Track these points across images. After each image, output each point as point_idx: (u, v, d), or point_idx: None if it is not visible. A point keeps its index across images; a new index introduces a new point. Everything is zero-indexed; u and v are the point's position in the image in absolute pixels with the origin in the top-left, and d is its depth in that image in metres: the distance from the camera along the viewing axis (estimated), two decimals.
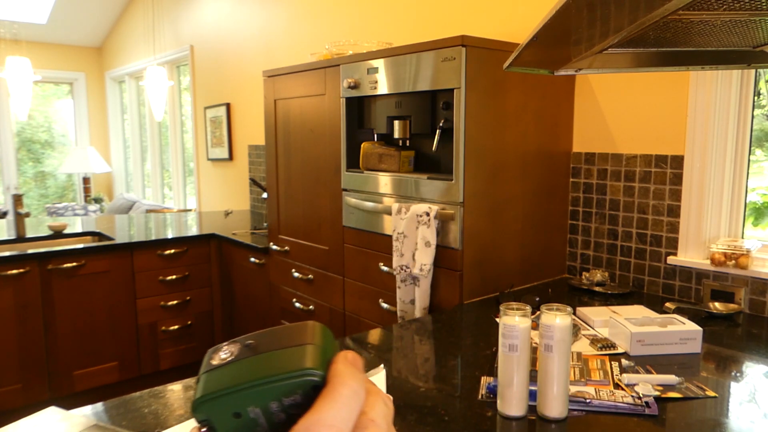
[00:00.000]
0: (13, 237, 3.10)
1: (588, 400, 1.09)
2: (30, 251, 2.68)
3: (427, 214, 1.79)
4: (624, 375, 1.19)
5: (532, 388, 1.06)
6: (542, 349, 1.02)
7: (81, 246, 2.83)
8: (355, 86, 2.06)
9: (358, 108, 2.19)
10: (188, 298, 3.13)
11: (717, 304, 1.66)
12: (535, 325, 1.17)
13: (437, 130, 1.86)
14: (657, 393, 1.12)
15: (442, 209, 1.78)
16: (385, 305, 2.02)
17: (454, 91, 1.72)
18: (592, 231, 2.06)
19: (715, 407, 1.09)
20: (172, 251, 3.04)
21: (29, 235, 3.18)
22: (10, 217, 5.19)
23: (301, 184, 2.45)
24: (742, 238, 1.79)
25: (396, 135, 2.01)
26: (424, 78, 1.81)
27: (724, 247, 1.70)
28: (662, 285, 1.88)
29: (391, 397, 0.32)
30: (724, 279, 1.73)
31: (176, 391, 1.16)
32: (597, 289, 1.88)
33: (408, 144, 2.06)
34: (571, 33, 0.90)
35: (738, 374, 1.25)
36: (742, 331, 1.54)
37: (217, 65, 4.43)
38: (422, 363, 1.35)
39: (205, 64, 4.62)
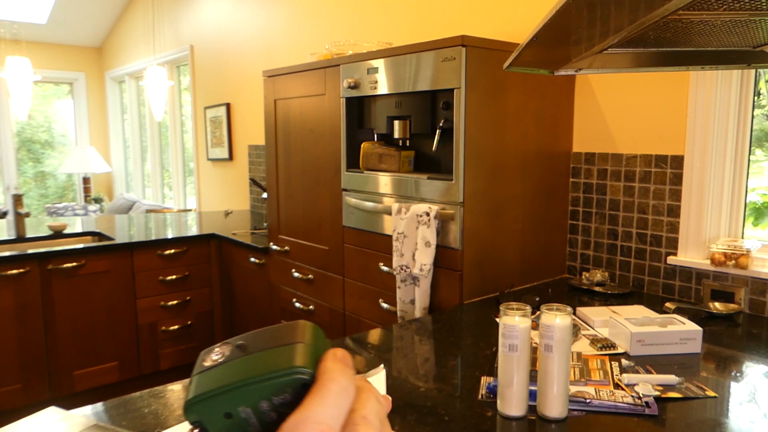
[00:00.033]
0: (13, 237, 3.10)
1: (588, 400, 1.09)
2: (30, 251, 2.68)
3: (427, 214, 1.79)
4: (624, 375, 1.19)
5: (532, 388, 1.06)
6: (542, 349, 1.02)
7: (81, 246, 2.83)
8: (355, 86, 2.06)
9: (358, 108, 2.19)
10: (188, 298, 3.13)
11: (717, 304, 1.66)
12: (535, 325, 1.17)
13: (437, 130, 1.86)
14: (657, 393, 1.12)
15: (442, 209, 1.78)
16: (385, 305, 2.02)
17: (454, 91, 1.72)
18: (592, 231, 2.06)
19: (715, 407, 1.09)
20: (172, 251, 3.04)
21: (29, 235, 3.18)
22: (10, 217, 5.19)
23: (301, 184, 2.45)
24: (742, 238, 1.79)
25: (396, 135, 2.01)
26: (424, 78, 1.81)
27: (724, 247, 1.70)
28: (662, 285, 1.88)
29: (390, 398, 0.32)
30: (724, 279, 1.73)
31: (176, 391, 1.16)
32: (597, 289, 1.88)
33: (408, 144, 2.06)
34: (571, 33, 0.90)
35: (738, 374, 1.25)
36: (742, 331, 1.54)
37: (217, 65, 4.43)
38: (422, 363, 1.35)
39: (205, 64, 4.62)
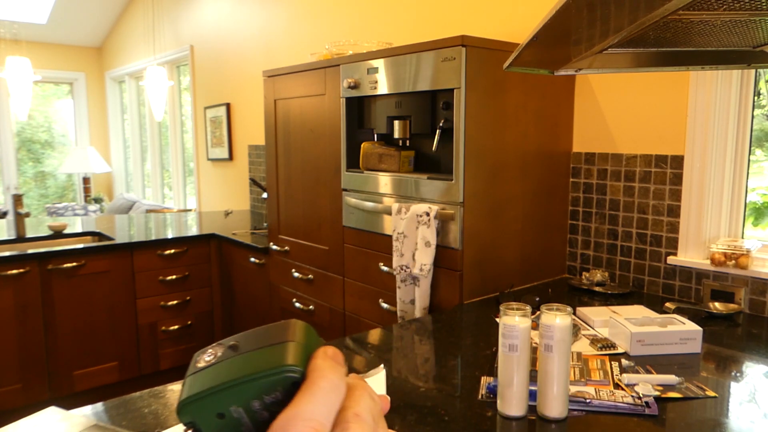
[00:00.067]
0: (13, 237, 3.10)
1: (588, 400, 1.09)
2: (30, 251, 2.68)
3: (427, 214, 1.79)
4: (624, 375, 1.19)
5: (532, 388, 1.06)
6: (542, 349, 1.02)
7: (81, 246, 2.83)
8: (355, 86, 2.06)
9: (358, 108, 2.19)
10: (188, 298, 3.13)
11: (717, 304, 1.66)
12: (535, 325, 1.17)
13: (437, 130, 1.86)
14: (657, 393, 1.12)
15: (442, 209, 1.78)
16: (385, 305, 2.02)
17: (454, 91, 1.72)
18: (592, 231, 2.06)
19: (715, 407, 1.09)
20: (172, 251, 3.04)
21: (29, 235, 3.18)
22: (10, 217, 5.19)
23: (301, 184, 2.45)
24: (742, 238, 1.79)
25: (396, 135, 2.01)
26: (424, 78, 1.81)
27: (724, 247, 1.70)
28: (662, 285, 1.88)
29: (388, 397, 0.32)
30: (724, 279, 1.73)
31: (176, 391, 1.16)
32: (597, 289, 1.88)
33: (408, 144, 2.06)
34: (571, 33, 0.90)
35: (738, 374, 1.25)
36: (742, 331, 1.54)
37: (217, 65, 4.43)
38: (422, 363, 1.35)
39: (205, 64, 4.62)
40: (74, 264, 2.76)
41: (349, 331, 2.25)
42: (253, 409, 0.28)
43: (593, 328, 1.52)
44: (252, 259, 2.86)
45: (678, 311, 1.60)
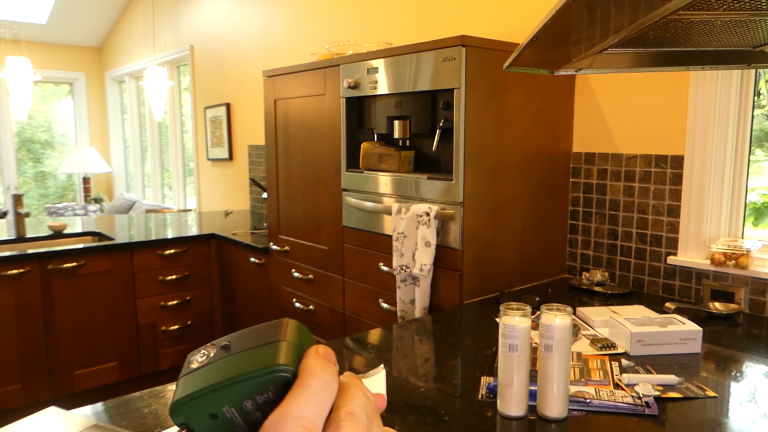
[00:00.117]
0: (13, 237, 3.10)
1: (588, 400, 1.09)
2: (30, 251, 2.69)
3: (427, 214, 1.79)
4: (624, 375, 1.19)
5: (532, 388, 1.06)
6: (542, 349, 1.02)
7: (81, 246, 2.83)
8: (355, 86, 2.06)
9: (358, 108, 2.19)
10: (188, 298, 3.12)
11: (717, 304, 1.66)
12: (535, 325, 1.17)
13: (437, 130, 1.86)
14: (657, 393, 1.12)
15: (442, 209, 1.78)
16: (385, 305, 2.02)
17: (454, 91, 1.72)
18: (592, 231, 2.06)
19: (715, 407, 1.09)
20: (172, 251, 3.04)
21: (29, 235, 3.18)
22: (10, 217, 5.19)
23: (301, 184, 2.45)
24: (742, 238, 1.79)
25: (396, 135, 2.01)
26: (424, 78, 1.81)
27: (724, 247, 1.70)
28: (662, 285, 1.88)
29: (385, 396, 0.32)
30: (724, 279, 1.73)
31: None
32: (597, 289, 1.88)
33: (408, 144, 2.06)
34: (571, 33, 0.90)
35: (738, 374, 1.25)
36: (742, 331, 1.54)
37: (217, 65, 4.43)
38: (422, 363, 1.35)
39: (205, 64, 4.62)
40: (74, 264, 2.76)
41: (349, 331, 2.25)
42: (245, 409, 0.28)
43: (593, 328, 1.52)
44: (252, 259, 2.86)
45: (678, 311, 1.60)
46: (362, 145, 2.11)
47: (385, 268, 2.01)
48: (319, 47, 2.98)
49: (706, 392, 1.14)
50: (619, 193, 1.97)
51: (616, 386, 1.15)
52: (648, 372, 1.22)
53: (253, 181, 3.73)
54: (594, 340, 1.40)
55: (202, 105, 4.67)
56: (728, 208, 1.79)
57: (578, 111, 2.09)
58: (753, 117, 1.74)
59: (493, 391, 1.12)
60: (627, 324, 1.38)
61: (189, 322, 3.14)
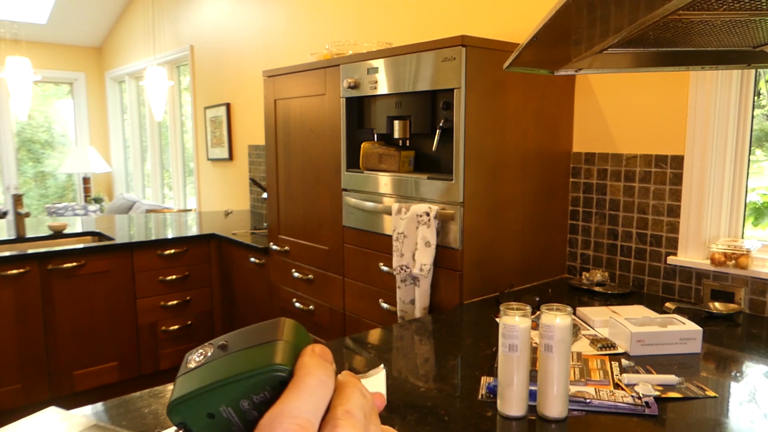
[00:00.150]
0: (13, 237, 3.10)
1: (588, 400, 1.09)
2: (30, 251, 2.68)
3: (427, 214, 1.79)
4: (624, 375, 1.19)
5: (532, 388, 1.06)
6: (542, 349, 1.02)
7: (81, 246, 2.83)
8: (355, 86, 2.06)
9: (358, 108, 2.19)
10: (188, 298, 3.12)
11: (717, 304, 1.66)
12: (535, 325, 1.17)
13: (437, 130, 1.86)
14: (657, 393, 1.12)
15: (442, 209, 1.78)
16: (385, 305, 2.02)
17: (454, 91, 1.72)
18: (592, 231, 2.06)
19: (715, 407, 1.09)
20: (172, 251, 3.04)
21: (29, 235, 3.18)
22: (10, 217, 5.19)
23: (301, 184, 2.45)
24: (742, 238, 1.79)
25: (396, 135, 2.01)
26: (424, 78, 1.81)
27: (724, 247, 1.70)
28: (662, 285, 1.88)
29: (384, 395, 0.32)
30: (724, 279, 1.73)
31: None
32: (597, 289, 1.88)
33: (408, 144, 2.06)
34: (571, 33, 0.90)
35: (738, 374, 1.25)
36: (742, 331, 1.54)
37: (217, 65, 4.43)
38: (422, 363, 1.35)
39: (205, 64, 4.62)
40: (74, 264, 2.76)
41: (349, 331, 2.25)
42: (242, 408, 0.28)
43: (593, 328, 1.52)
44: (252, 259, 2.86)
45: (678, 311, 1.60)
46: (362, 145, 2.11)
47: (385, 268, 2.01)
48: (319, 47, 2.98)
49: (706, 392, 1.14)
50: (619, 193, 1.97)
51: (616, 386, 1.15)
52: (648, 372, 1.22)
53: (253, 181, 3.73)
54: (594, 340, 1.40)
55: (202, 105, 4.67)
56: (728, 208, 1.79)
57: (578, 111, 2.09)
58: (753, 117, 1.74)
59: (493, 391, 1.12)
60: (627, 324, 1.38)
61: (189, 322, 3.14)
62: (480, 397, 1.13)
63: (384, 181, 2.02)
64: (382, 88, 1.97)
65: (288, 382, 0.28)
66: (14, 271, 2.60)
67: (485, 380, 1.20)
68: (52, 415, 0.96)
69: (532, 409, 1.06)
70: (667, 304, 1.66)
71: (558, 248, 2.11)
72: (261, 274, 2.82)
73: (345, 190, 2.18)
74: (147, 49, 5.54)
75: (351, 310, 2.23)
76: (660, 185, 1.86)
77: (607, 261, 2.02)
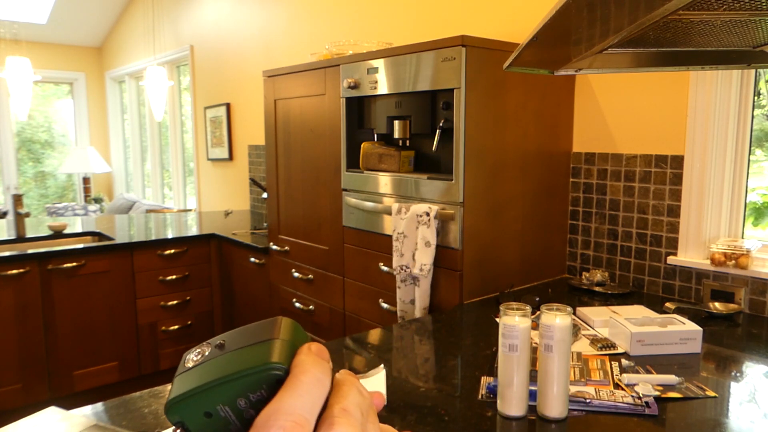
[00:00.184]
0: (13, 237, 3.10)
1: (588, 400, 1.09)
2: (30, 251, 2.68)
3: (427, 214, 1.79)
4: (624, 375, 1.19)
5: (532, 388, 1.06)
6: (542, 349, 1.02)
7: (81, 246, 2.83)
8: (355, 86, 2.06)
9: (358, 108, 2.19)
10: (188, 298, 3.12)
11: (717, 304, 1.66)
12: (535, 325, 1.17)
13: (437, 130, 1.86)
14: (657, 393, 1.12)
15: (442, 209, 1.78)
16: (385, 305, 2.02)
17: (454, 91, 1.72)
18: (592, 231, 2.06)
19: (715, 407, 1.09)
20: (172, 251, 3.04)
21: (29, 235, 3.18)
22: (10, 217, 5.19)
23: (301, 184, 2.45)
24: (742, 238, 1.79)
25: (396, 135, 2.01)
26: (424, 78, 1.81)
27: (724, 247, 1.70)
28: (662, 285, 1.88)
29: (383, 395, 0.32)
30: (724, 279, 1.73)
31: None
32: (597, 289, 1.88)
33: (408, 144, 2.06)
34: (571, 33, 0.90)
35: (738, 374, 1.25)
36: (742, 331, 1.54)
37: (217, 65, 4.43)
38: (422, 363, 1.35)
39: (205, 64, 4.62)
40: (74, 264, 2.76)
41: (349, 331, 2.25)
42: (239, 407, 0.28)
43: (593, 328, 1.52)
44: (252, 259, 2.86)
45: (678, 311, 1.60)
46: (362, 145, 2.11)
47: (385, 268, 2.01)
48: (319, 47, 2.98)
49: (706, 392, 1.14)
50: (619, 193, 1.97)
51: (616, 386, 1.15)
52: (648, 372, 1.22)
53: (253, 181, 3.73)
54: (594, 340, 1.40)
55: (202, 105, 4.67)
56: (728, 208, 1.79)
57: (578, 111, 2.09)
58: (753, 117, 1.74)
59: (493, 391, 1.12)
60: (627, 324, 1.38)
61: (189, 322, 3.14)
62: (480, 397, 1.13)
63: (384, 181, 2.02)
64: (382, 88, 1.97)
65: (284, 380, 0.28)
66: (14, 271, 2.60)
67: (485, 380, 1.20)
68: (52, 415, 0.96)
69: (532, 409, 1.06)
70: (667, 304, 1.66)
71: (558, 248, 2.11)
72: (261, 274, 2.82)
73: (345, 190, 2.18)
74: (147, 49, 5.54)
75: (351, 310, 2.23)
76: (660, 185, 1.86)
77: (607, 261, 2.02)
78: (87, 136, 6.84)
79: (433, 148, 1.86)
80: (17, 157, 6.51)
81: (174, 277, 3.06)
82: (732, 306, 1.65)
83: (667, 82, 1.83)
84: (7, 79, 4.82)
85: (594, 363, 1.27)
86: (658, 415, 1.05)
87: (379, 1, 2.86)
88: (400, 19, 2.75)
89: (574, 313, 1.53)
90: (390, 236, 1.96)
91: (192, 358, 0.30)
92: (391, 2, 2.78)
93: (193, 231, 3.32)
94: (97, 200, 6.58)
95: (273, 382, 0.28)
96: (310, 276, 2.43)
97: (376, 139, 2.15)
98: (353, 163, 2.16)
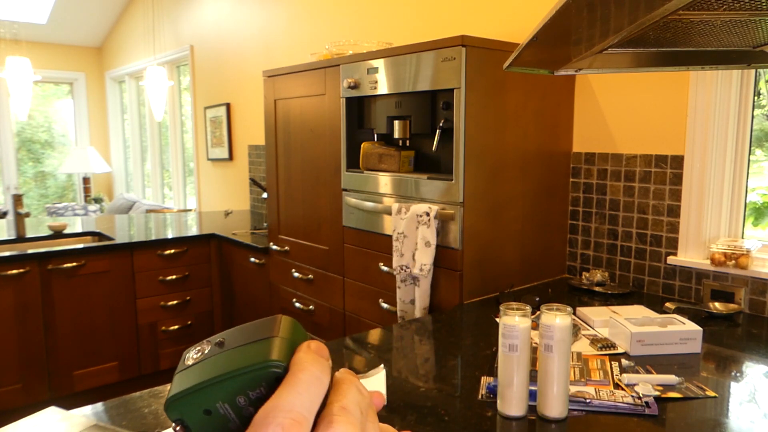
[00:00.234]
0: (13, 237, 3.10)
1: (588, 400, 1.09)
2: (30, 251, 2.68)
3: (427, 214, 1.79)
4: (624, 375, 1.19)
5: (532, 388, 1.06)
6: (542, 349, 1.02)
7: (81, 246, 2.83)
8: (355, 86, 2.06)
9: (358, 108, 2.19)
10: (188, 298, 3.12)
11: (717, 304, 1.66)
12: (535, 325, 1.17)
13: (437, 130, 1.86)
14: (657, 393, 1.12)
15: (442, 209, 1.78)
16: (385, 305, 2.02)
17: (454, 91, 1.72)
18: (592, 231, 2.06)
19: (715, 407, 1.09)
20: (172, 251, 3.04)
21: (29, 235, 3.18)
22: (10, 217, 5.19)
23: (301, 184, 2.45)
24: (742, 238, 1.79)
25: (396, 135, 2.01)
26: (424, 78, 1.81)
27: (724, 247, 1.70)
28: (662, 285, 1.88)
29: (383, 394, 0.32)
30: (724, 279, 1.73)
31: None
32: (597, 289, 1.88)
33: (408, 144, 2.06)
34: (571, 33, 0.90)
35: (738, 374, 1.25)
36: (742, 331, 1.54)
37: (217, 65, 4.43)
38: (422, 363, 1.35)
39: (205, 64, 4.62)
40: (74, 264, 2.76)
41: (349, 331, 2.25)
42: (238, 404, 0.28)
43: (593, 328, 1.52)
44: (252, 259, 2.86)
45: (678, 311, 1.60)
46: (362, 145, 2.11)
47: (385, 268, 2.01)
48: (319, 47, 2.98)
49: (706, 392, 1.14)
50: (619, 193, 1.97)
51: (616, 386, 1.15)
52: (648, 372, 1.22)
53: (253, 181, 3.73)
54: (594, 340, 1.40)
55: (202, 105, 4.67)
56: (728, 208, 1.79)
57: (578, 111, 2.09)
58: (753, 117, 1.74)
59: (493, 391, 1.12)
60: (627, 324, 1.38)
61: (189, 322, 3.14)
62: (480, 397, 1.13)
63: (384, 181, 2.02)
64: (382, 88, 1.97)
65: (284, 378, 0.28)
66: (14, 271, 2.60)
67: (485, 380, 1.20)
68: (52, 415, 0.96)
69: (532, 409, 1.06)
70: (667, 304, 1.66)
71: (558, 248, 2.11)
72: (261, 274, 2.82)
73: (345, 190, 2.18)
74: (147, 49, 5.54)
75: (351, 310, 2.23)
76: (660, 185, 1.86)
77: (607, 261, 2.02)
78: (87, 136, 6.84)
79: (433, 148, 1.86)
80: (17, 157, 6.51)
81: (174, 277, 3.06)
82: (732, 306, 1.65)
83: (667, 82, 1.83)
84: (7, 79, 4.82)
85: (594, 363, 1.27)
86: (658, 415, 1.05)
87: (379, 1, 2.86)
88: (400, 19, 2.75)
89: (574, 313, 1.53)
90: (390, 236, 1.96)
91: (192, 355, 0.30)
92: (391, 2, 2.78)
93: (193, 231, 3.32)
94: (97, 200, 6.58)
95: (272, 380, 0.28)
96: (310, 276, 2.43)
97: (376, 139, 2.15)
98: (353, 163, 2.16)
